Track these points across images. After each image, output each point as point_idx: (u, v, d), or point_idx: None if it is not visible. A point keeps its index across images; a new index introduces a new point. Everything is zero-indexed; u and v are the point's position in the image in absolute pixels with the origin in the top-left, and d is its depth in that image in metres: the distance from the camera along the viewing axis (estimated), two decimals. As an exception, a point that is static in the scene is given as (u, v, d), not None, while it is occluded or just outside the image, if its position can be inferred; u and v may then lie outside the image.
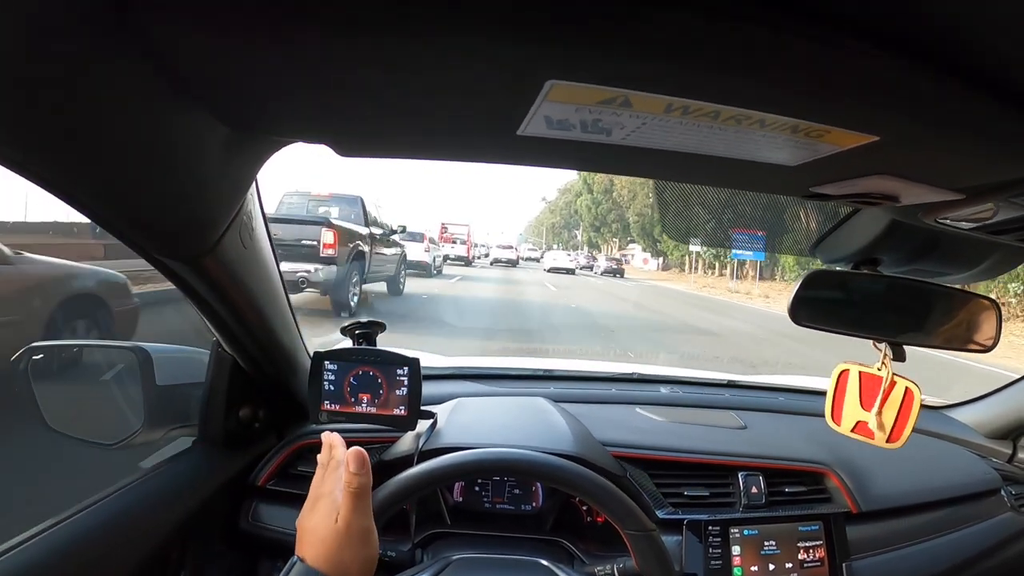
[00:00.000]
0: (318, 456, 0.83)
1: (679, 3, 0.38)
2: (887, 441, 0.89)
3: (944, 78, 0.44)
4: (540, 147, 0.61)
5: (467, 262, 28.22)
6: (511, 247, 36.61)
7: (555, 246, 73.46)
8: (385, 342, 1.20)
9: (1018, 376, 1.70)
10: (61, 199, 0.59)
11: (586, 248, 62.79)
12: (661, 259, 46.94)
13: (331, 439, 0.83)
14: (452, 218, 64.06)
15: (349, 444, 0.81)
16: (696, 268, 40.83)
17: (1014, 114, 0.48)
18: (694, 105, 0.47)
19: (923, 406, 1.75)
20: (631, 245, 54.62)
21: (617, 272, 35.19)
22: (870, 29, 0.40)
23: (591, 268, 40.42)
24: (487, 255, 39.29)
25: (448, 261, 25.48)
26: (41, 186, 0.56)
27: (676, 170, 0.74)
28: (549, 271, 32.34)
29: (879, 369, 0.89)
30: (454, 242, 28.47)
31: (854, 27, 0.40)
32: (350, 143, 0.68)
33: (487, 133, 0.62)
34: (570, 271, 33.61)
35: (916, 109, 0.47)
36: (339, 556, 0.71)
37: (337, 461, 0.79)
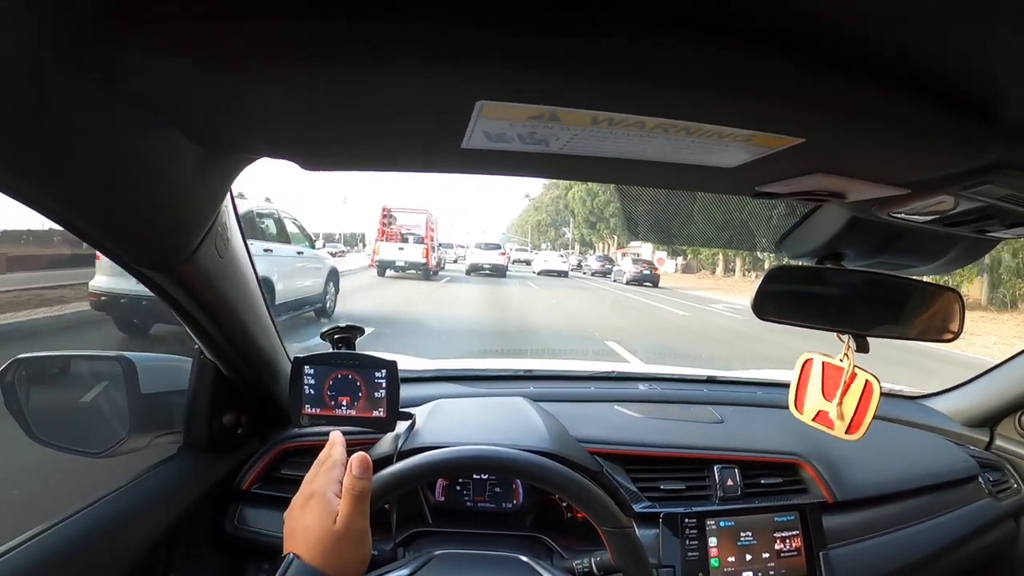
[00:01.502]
0: (321, 455, 0.84)
1: (592, 27, 0.41)
2: (846, 432, 0.90)
3: (861, 80, 0.46)
4: (485, 158, 0.64)
5: (427, 273, 18.66)
6: (497, 247, 25.17)
7: (544, 246, 66.09)
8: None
9: (994, 364, 1.72)
10: (41, 213, 0.61)
11: (577, 247, 57.94)
12: (680, 259, 40.04)
13: (335, 437, 0.84)
14: (402, 202, 40.99)
15: None
16: (733, 270, 34.14)
17: (942, 111, 0.50)
18: (618, 117, 0.49)
19: (901, 396, 1.79)
20: (633, 243, 41.78)
21: (649, 280, 26.02)
22: (782, 37, 0.42)
23: (580, 268, 36.23)
24: (460, 259, 29.74)
25: (393, 272, 18.37)
26: (21, 201, 0.58)
27: (622, 175, 0.76)
28: (540, 274, 27.66)
29: (841, 360, 0.91)
30: (404, 240, 19.05)
31: (765, 36, 0.42)
32: (314, 158, 0.71)
33: (436, 146, 0.64)
34: (562, 273, 28.47)
35: (837, 111, 0.49)
36: (338, 556, 0.72)
37: (334, 460, 0.80)
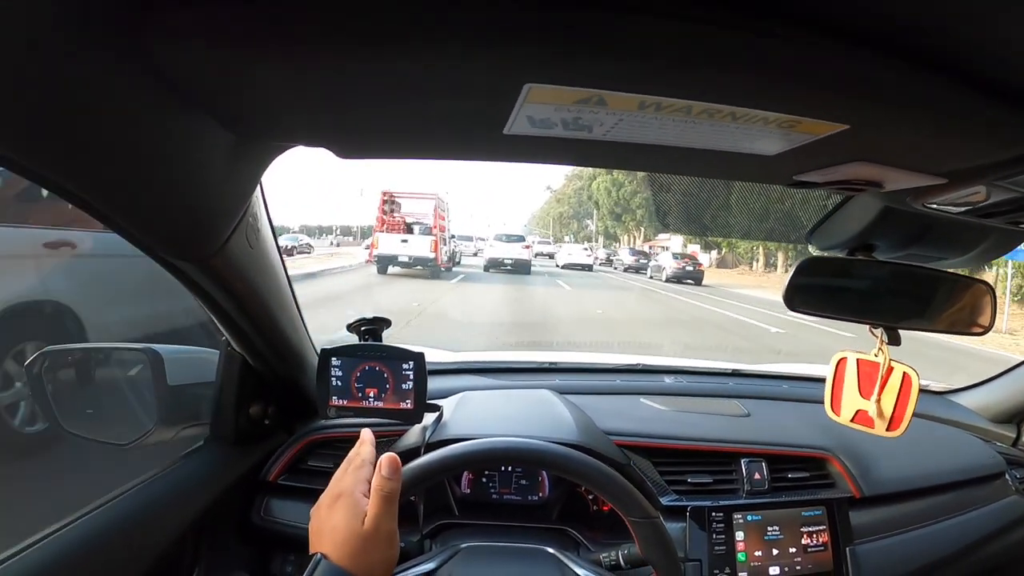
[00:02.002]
0: (350, 453, 0.83)
1: (645, 8, 0.41)
2: (887, 429, 0.89)
3: (909, 67, 0.46)
4: (527, 144, 0.64)
5: (435, 270, 16.23)
6: (519, 239, 21.78)
7: (567, 238, 63.40)
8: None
9: (1021, 360, 1.70)
10: (73, 203, 0.62)
11: (601, 240, 54.71)
12: (714, 253, 35.02)
13: (366, 435, 0.84)
14: (406, 187, 35.31)
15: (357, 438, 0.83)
16: (774, 265, 30.34)
17: (984, 99, 0.49)
18: (665, 102, 0.49)
19: (927, 391, 1.77)
20: (661, 235, 38.91)
21: (691, 278, 22.48)
22: (832, 23, 0.42)
23: (611, 263, 32.37)
24: (480, 252, 25.92)
25: (396, 269, 16.01)
26: (55, 192, 0.59)
27: (660, 163, 0.76)
28: (563, 267, 25.85)
29: (876, 355, 0.90)
30: (408, 230, 16.39)
31: (816, 22, 0.42)
32: (349, 146, 0.71)
33: (476, 133, 0.64)
34: (587, 267, 26.56)
35: (883, 97, 0.49)
36: (366, 557, 0.71)
37: (362, 459, 0.79)
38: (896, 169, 0.64)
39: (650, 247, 37.78)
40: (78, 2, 0.42)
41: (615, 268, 30.68)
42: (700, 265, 23.97)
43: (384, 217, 16.92)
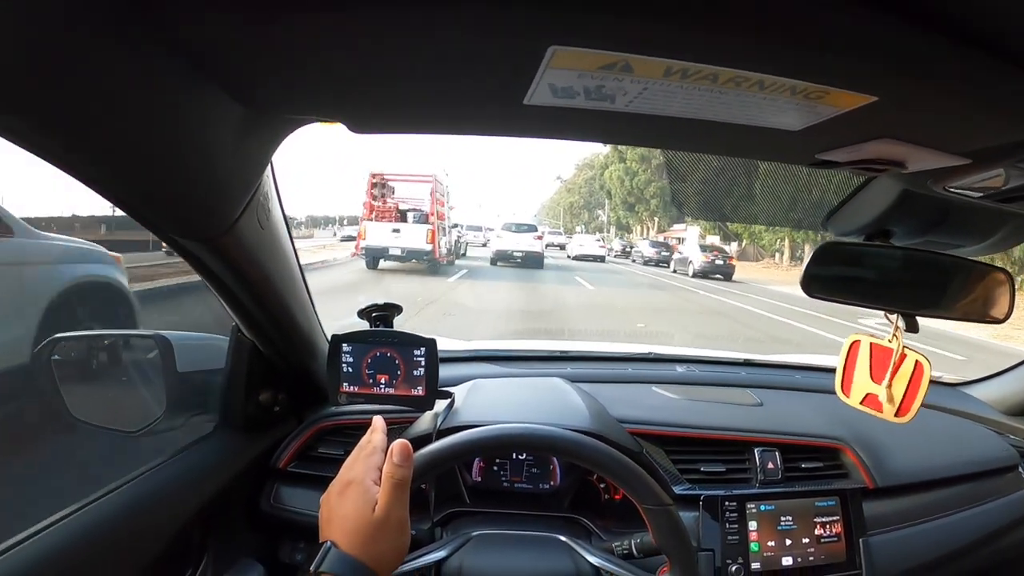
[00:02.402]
0: (362, 441, 0.83)
1: None
2: (896, 415, 0.88)
3: (940, 38, 0.45)
4: (547, 117, 0.63)
5: (433, 265, 14.42)
6: (531, 228, 19.49)
7: (579, 229, 63.38)
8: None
9: (1035, 352, 1.69)
10: (81, 181, 0.61)
11: (613, 230, 53.22)
12: (734, 245, 32.38)
13: (377, 423, 0.83)
14: (398, 168, 28.48)
15: (368, 425, 0.82)
16: (800, 258, 27.43)
17: (1014, 74, 0.48)
18: (692, 68, 0.48)
19: (940, 383, 1.76)
20: (676, 225, 38.92)
21: (721, 272, 20.56)
22: None
23: (629, 255, 30.92)
24: (488, 244, 23.51)
25: (389, 263, 14.39)
26: (63, 169, 0.58)
27: (681, 138, 0.75)
28: (575, 258, 25.00)
29: (890, 341, 0.89)
30: (402, 218, 14.72)
31: None
32: (363, 119, 0.70)
33: (495, 103, 0.63)
34: (599, 258, 25.77)
35: (912, 69, 0.48)
36: (376, 546, 0.71)
37: (374, 447, 0.79)
38: (920, 148, 0.64)
39: (664, 238, 36.09)
40: None
41: (633, 261, 28.96)
42: (731, 258, 22.26)
43: (373, 203, 15.05)
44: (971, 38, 0.45)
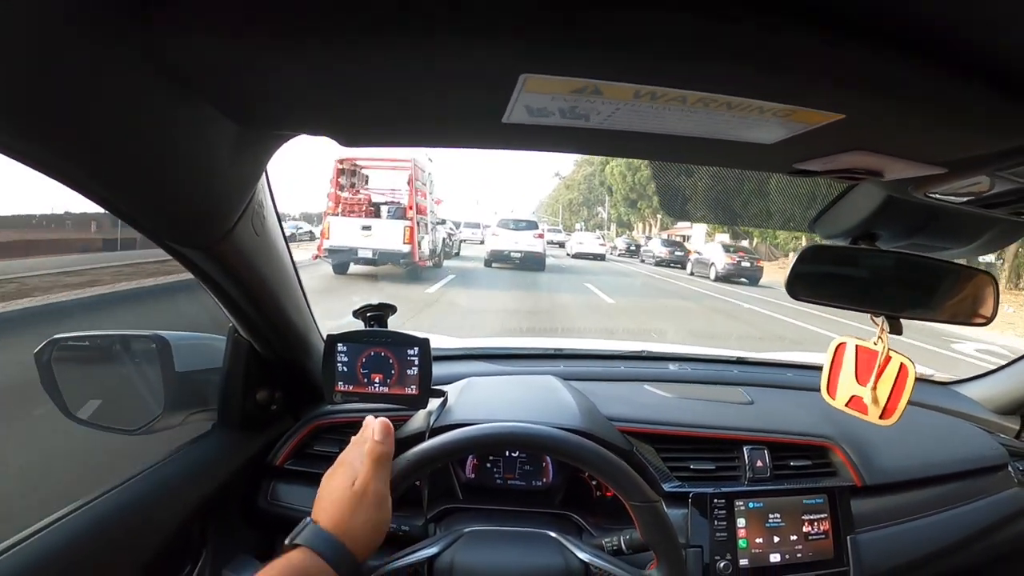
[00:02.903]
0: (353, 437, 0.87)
1: (636, 0, 0.41)
2: (880, 417, 0.90)
3: (904, 56, 0.46)
4: (526, 133, 0.65)
5: (414, 269, 12.13)
6: (531, 225, 17.16)
7: (578, 226, 59.57)
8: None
9: (1026, 352, 1.70)
10: (80, 193, 0.63)
11: (614, 228, 52.11)
12: (744, 243, 25.08)
13: (370, 421, 0.87)
14: (371, 152, 12.03)
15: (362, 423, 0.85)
16: None
17: (982, 89, 0.49)
18: (660, 91, 0.50)
19: (931, 381, 1.77)
20: (681, 223, 33.31)
21: (747, 276, 18.43)
22: (826, 13, 0.42)
23: (634, 254, 29.20)
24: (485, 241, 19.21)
25: (359, 268, 11.80)
26: (61, 182, 0.60)
27: (659, 151, 0.77)
28: (574, 256, 24.14)
29: (875, 343, 0.91)
30: (374, 212, 12.24)
31: (810, 12, 0.42)
32: (350, 134, 0.72)
33: (475, 121, 0.65)
34: (598, 256, 24.46)
35: (877, 88, 0.49)
36: (350, 519, 0.75)
37: (365, 437, 0.84)
38: (895, 158, 0.65)
39: (669, 235, 33.41)
40: None
41: (642, 261, 26.35)
42: (759, 260, 19.61)
43: (340, 194, 12.31)
44: (937, 56, 0.46)
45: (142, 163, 0.63)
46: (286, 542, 0.74)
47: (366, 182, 13.65)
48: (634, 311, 10.40)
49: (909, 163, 0.66)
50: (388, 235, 11.50)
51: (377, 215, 12.23)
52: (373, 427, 0.80)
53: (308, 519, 0.75)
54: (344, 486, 0.76)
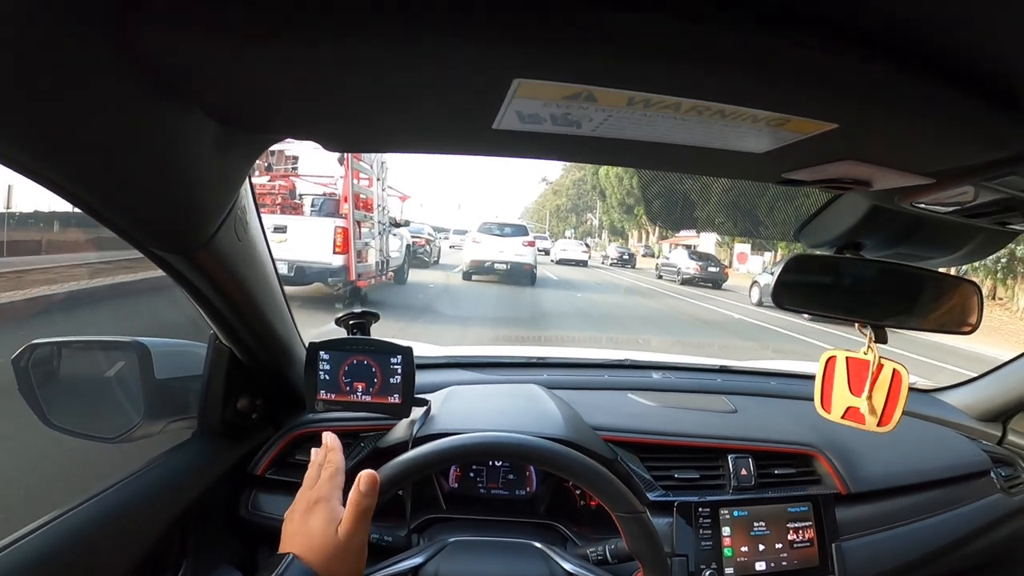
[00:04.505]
0: (313, 450, 0.86)
1: (633, 5, 0.41)
2: (878, 425, 0.90)
3: (898, 66, 0.46)
4: (516, 140, 0.64)
5: (353, 291, 8.32)
6: (520, 231, 14.30)
7: (568, 233, 56.81)
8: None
9: (1007, 359, 1.71)
10: (60, 196, 0.61)
11: (606, 235, 50.67)
12: (767, 255, 25.85)
13: (331, 442, 0.85)
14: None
15: (345, 432, 0.84)
16: None
17: (972, 100, 0.49)
18: (654, 98, 0.49)
19: (913, 389, 1.78)
20: (684, 232, 25.43)
21: (711, 281, 18.18)
22: (822, 22, 0.42)
23: (628, 263, 29.16)
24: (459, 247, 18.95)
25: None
26: (41, 184, 0.58)
27: (649, 159, 0.76)
28: (558, 263, 24.14)
29: (865, 353, 0.91)
30: (293, 207, 9.33)
31: (806, 20, 0.42)
32: (337, 138, 0.71)
33: (465, 127, 0.64)
34: (580, 263, 24.21)
35: (872, 98, 0.49)
36: (337, 565, 0.74)
37: (336, 468, 0.81)
38: (884, 168, 0.65)
39: (672, 245, 30.39)
40: None
41: (660, 277, 22.11)
42: (726, 269, 18.35)
43: (260, 191, 8.69)
44: (931, 69, 0.46)
45: (123, 166, 0.61)
46: None
47: (295, 163, 9.83)
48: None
49: (898, 173, 0.66)
50: (311, 240, 8.05)
51: (298, 210, 9.23)
52: (359, 479, 0.78)
53: (291, 555, 0.73)
54: (327, 531, 0.75)
